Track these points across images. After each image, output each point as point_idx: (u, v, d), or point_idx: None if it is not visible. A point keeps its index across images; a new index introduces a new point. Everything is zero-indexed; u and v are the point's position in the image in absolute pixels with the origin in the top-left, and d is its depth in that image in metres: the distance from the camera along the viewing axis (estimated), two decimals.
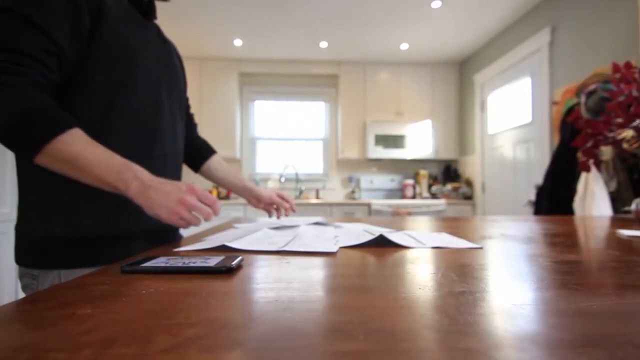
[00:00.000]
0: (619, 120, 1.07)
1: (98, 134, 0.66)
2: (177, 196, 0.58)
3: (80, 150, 0.57)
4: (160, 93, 0.77)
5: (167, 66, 0.81)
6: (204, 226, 1.03)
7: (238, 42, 3.59)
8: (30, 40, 0.58)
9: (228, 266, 0.39)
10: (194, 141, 0.99)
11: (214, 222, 3.18)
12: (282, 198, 1.03)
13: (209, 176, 1.00)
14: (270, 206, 1.03)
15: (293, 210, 1.04)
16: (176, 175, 0.84)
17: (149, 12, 0.79)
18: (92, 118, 0.66)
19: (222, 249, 0.54)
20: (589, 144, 1.16)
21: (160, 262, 0.41)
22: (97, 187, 0.59)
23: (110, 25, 0.67)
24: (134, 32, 0.71)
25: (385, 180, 4.30)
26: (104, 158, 0.59)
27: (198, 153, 0.99)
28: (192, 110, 3.85)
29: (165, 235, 0.78)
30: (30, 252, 0.66)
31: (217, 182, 1.01)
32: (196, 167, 0.99)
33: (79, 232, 0.65)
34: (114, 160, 0.59)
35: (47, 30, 0.59)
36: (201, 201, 0.60)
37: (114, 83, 0.68)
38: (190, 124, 0.99)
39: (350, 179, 4.32)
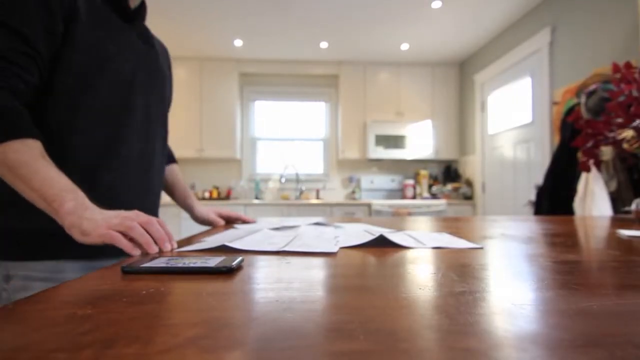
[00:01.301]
0: (619, 120, 1.07)
1: (67, 134, 0.68)
2: (119, 215, 0.54)
3: (27, 160, 0.56)
4: (132, 94, 0.77)
5: (147, 68, 0.81)
6: (204, 227, 1.02)
7: (238, 42, 3.60)
8: (6, 43, 0.59)
9: (228, 266, 0.39)
10: None
11: None
12: (221, 216, 1.03)
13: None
14: (208, 224, 1.02)
15: (247, 222, 1.03)
16: (144, 177, 0.82)
17: (133, 15, 0.79)
18: (61, 119, 0.67)
19: (222, 249, 0.54)
20: (589, 144, 1.16)
21: (160, 262, 0.41)
22: (31, 201, 0.56)
23: (84, 28, 0.67)
24: (108, 36, 0.72)
25: (386, 181, 4.30)
26: (52, 174, 0.57)
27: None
28: (193, 110, 3.87)
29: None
30: None
31: (164, 189, 1.02)
32: None
33: (34, 225, 0.64)
34: (61, 180, 0.57)
35: (23, 34, 0.59)
36: (148, 232, 0.53)
37: (83, 85, 0.68)
38: None
39: (350, 179, 4.32)
